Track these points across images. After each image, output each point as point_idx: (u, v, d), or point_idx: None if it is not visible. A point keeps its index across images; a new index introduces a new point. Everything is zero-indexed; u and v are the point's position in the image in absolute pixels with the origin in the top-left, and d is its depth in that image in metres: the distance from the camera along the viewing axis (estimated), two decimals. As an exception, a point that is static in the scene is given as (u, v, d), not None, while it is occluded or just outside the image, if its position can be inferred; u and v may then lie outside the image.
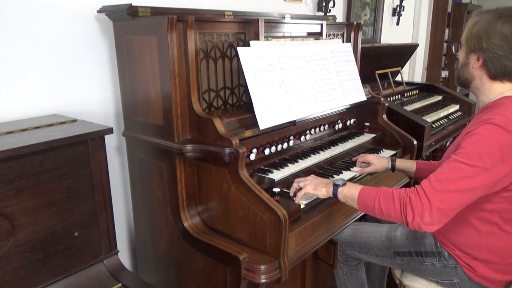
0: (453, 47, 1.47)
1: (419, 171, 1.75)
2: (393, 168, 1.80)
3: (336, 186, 1.39)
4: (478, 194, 1.22)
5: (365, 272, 1.85)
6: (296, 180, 1.51)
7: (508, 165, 1.20)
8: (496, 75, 1.31)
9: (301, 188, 1.47)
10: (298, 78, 1.74)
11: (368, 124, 2.23)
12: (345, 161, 1.91)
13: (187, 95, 1.45)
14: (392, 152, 2.08)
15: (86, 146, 1.33)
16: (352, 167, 1.84)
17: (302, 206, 1.48)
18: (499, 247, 1.34)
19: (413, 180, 2.21)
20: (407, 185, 2.17)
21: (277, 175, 1.56)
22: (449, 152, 1.39)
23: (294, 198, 1.48)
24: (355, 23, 2.21)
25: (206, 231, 1.52)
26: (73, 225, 1.33)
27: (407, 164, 1.78)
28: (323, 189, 1.42)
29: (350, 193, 1.35)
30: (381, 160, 1.80)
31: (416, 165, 1.76)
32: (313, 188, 1.44)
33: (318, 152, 1.82)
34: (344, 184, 1.38)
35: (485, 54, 1.29)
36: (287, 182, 1.62)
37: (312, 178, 1.49)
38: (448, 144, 2.85)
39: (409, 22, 4.40)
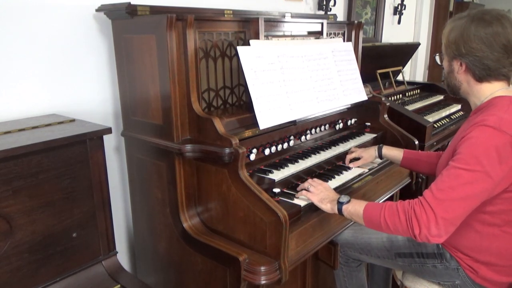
0: (437, 58, 1.49)
1: (405, 160, 1.78)
2: (380, 156, 1.85)
3: (340, 204, 1.39)
4: (481, 199, 1.22)
5: (370, 273, 1.84)
6: (309, 181, 1.51)
7: (506, 166, 1.19)
8: (482, 77, 1.31)
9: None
10: (298, 78, 1.72)
11: (369, 124, 2.22)
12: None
13: (186, 95, 1.44)
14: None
15: (84, 146, 1.32)
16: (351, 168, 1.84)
17: (302, 205, 1.47)
18: (500, 249, 1.33)
19: (415, 181, 2.20)
20: (408, 185, 2.17)
21: (277, 175, 1.55)
22: (446, 156, 1.39)
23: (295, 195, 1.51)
24: (356, 22, 2.20)
25: (205, 232, 1.51)
26: (72, 226, 1.32)
27: (395, 153, 1.82)
28: (328, 204, 1.42)
29: (355, 210, 1.35)
30: (368, 151, 1.85)
31: (403, 153, 1.79)
32: (319, 200, 1.44)
33: (318, 152, 1.81)
34: (348, 201, 1.38)
35: (466, 58, 1.30)
36: (288, 182, 1.61)
37: (322, 188, 1.47)
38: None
39: (411, 21, 4.39)
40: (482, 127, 1.21)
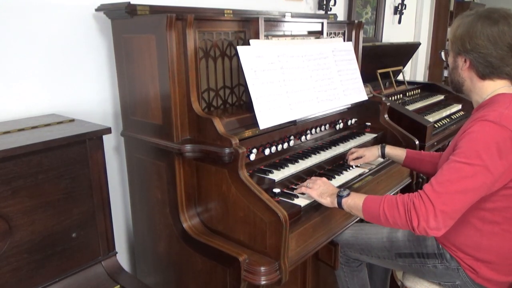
0: (442, 54, 1.50)
1: (408, 159, 1.79)
2: (383, 155, 1.86)
3: (340, 197, 1.39)
4: (480, 194, 1.22)
5: (368, 273, 1.84)
6: (308, 180, 1.52)
7: (506, 161, 1.19)
8: (485, 74, 1.32)
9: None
10: (298, 77, 1.72)
11: (369, 124, 2.21)
12: (346, 161, 1.89)
13: (186, 95, 1.44)
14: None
15: (84, 146, 1.31)
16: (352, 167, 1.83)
17: (303, 205, 1.46)
18: (501, 247, 1.33)
19: (415, 181, 2.20)
20: (409, 185, 2.16)
21: (277, 175, 1.54)
22: (447, 152, 1.39)
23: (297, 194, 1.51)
24: (356, 21, 2.20)
25: (205, 232, 1.51)
26: (71, 226, 1.32)
27: (397, 152, 1.83)
28: (327, 198, 1.43)
29: (354, 203, 1.35)
30: (371, 149, 1.86)
31: (406, 153, 1.80)
32: (318, 195, 1.45)
33: (318, 152, 1.80)
34: (348, 195, 1.39)
35: (470, 55, 1.31)
36: (288, 182, 1.61)
37: (321, 183, 1.48)
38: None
39: (411, 20, 4.38)
40: (483, 122, 1.21)
